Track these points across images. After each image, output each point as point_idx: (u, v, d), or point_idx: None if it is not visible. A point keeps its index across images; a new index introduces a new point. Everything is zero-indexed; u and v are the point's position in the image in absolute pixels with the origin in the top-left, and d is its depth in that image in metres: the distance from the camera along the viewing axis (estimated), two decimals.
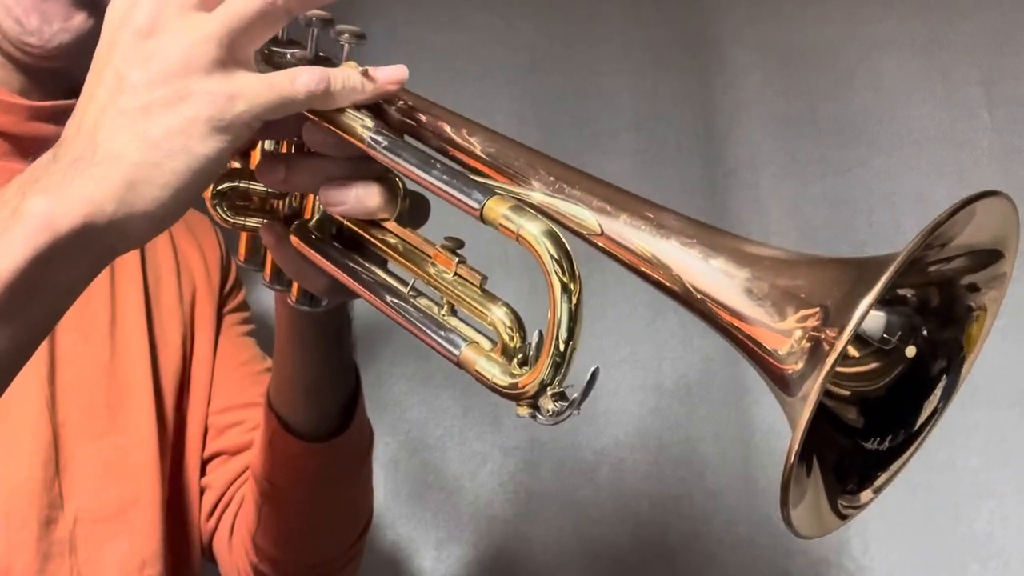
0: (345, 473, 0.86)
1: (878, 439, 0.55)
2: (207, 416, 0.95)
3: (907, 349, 0.54)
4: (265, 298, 1.26)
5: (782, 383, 0.48)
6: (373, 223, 0.64)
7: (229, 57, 0.52)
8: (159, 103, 0.51)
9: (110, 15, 0.54)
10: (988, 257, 0.53)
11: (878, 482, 0.55)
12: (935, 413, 0.56)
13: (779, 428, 1.44)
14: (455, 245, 0.60)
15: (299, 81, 0.54)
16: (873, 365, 0.55)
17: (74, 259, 0.51)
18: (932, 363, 0.55)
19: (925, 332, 0.55)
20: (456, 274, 0.59)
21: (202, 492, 0.94)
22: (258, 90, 0.53)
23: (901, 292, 0.54)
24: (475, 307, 0.58)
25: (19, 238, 0.49)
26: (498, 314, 0.57)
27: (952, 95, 1.41)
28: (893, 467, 0.55)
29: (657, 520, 1.45)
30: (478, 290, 0.58)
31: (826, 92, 1.47)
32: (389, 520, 1.46)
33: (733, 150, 1.50)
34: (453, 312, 0.60)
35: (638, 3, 1.56)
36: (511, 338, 0.56)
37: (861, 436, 0.55)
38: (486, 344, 0.57)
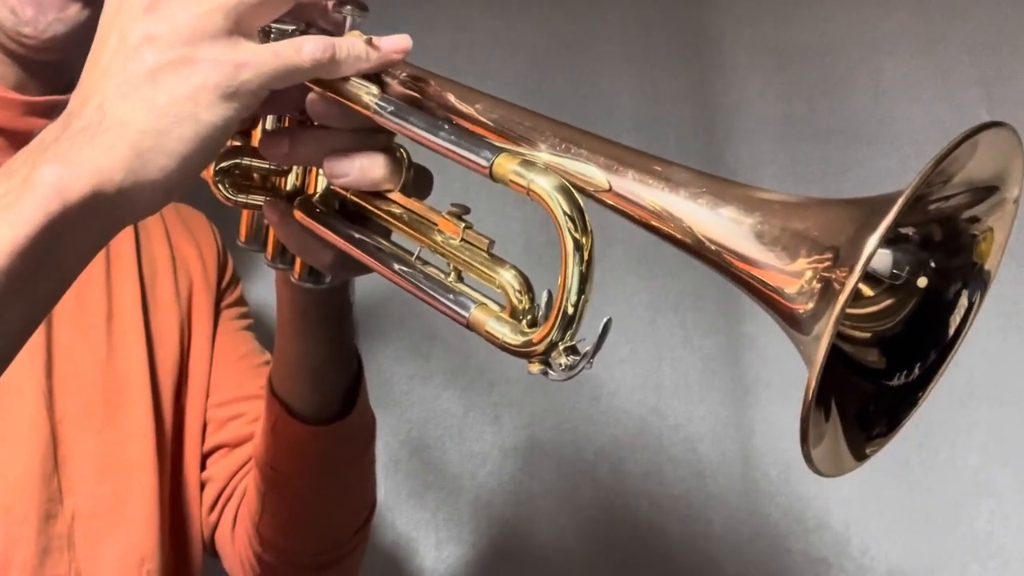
0: (348, 458, 0.86)
1: (904, 372, 0.55)
2: (206, 410, 0.95)
3: (919, 280, 0.55)
4: (262, 293, 1.26)
5: (794, 322, 0.49)
6: (377, 195, 0.64)
7: (236, 28, 0.52)
8: (166, 69, 0.51)
9: None
10: (987, 192, 0.53)
11: (912, 412, 0.55)
12: (966, 319, 0.56)
13: (779, 428, 1.45)
14: (461, 211, 0.60)
15: (305, 49, 0.54)
16: (887, 302, 0.56)
17: (83, 228, 0.50)
18: (946, 288, 0.55)
19: (933, 264, 0.55)
20: (463, 239, 0.59)
21: (203, 486, 0.94)
22: (265, 58, 0.53)
23: (903, 231, 0.54)
24: (483, 271, 0.58)
25: (30, 206, 0.48)
26: (506, 277, 0.57)
27: (952, 95, 1.41)
28: (927, 390, 0.55)
29: (657, 520, 1.45)
30: (486, 254, 0.58)
31: (826, 92, 1.47)
32: (389, 520, 1.46)
33: (733, 150, 1.50)
34: (460, 278, 0.59)
35: (638, 3, 1.56)
36: (520, 300, 0.56)
37: (885, 376, 0.55)
38: (495, 307, 0.57)
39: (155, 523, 0.87)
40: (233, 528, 0.92)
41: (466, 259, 0.59)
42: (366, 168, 0.60)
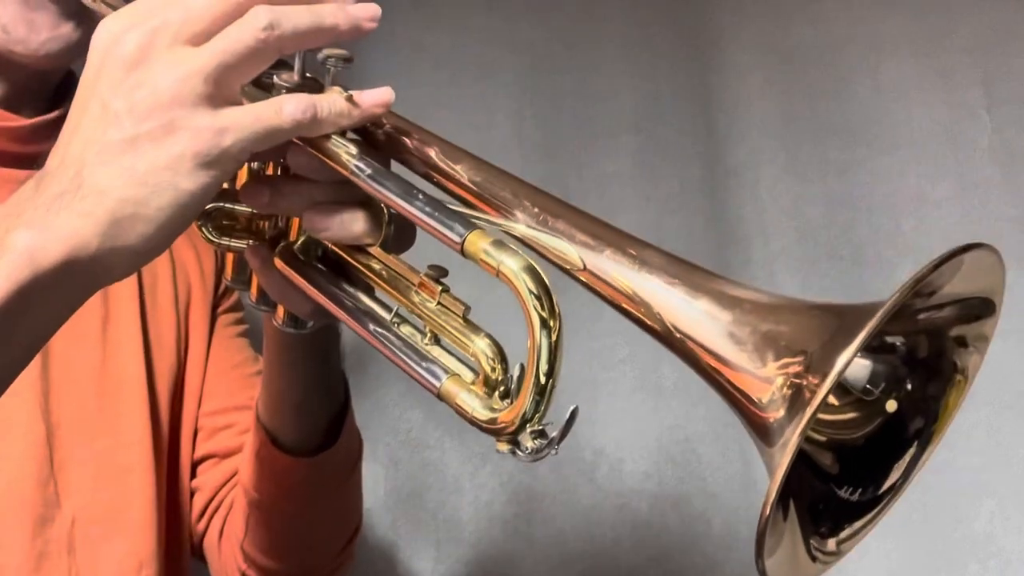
0: (332, 485, 0.86)
1: (850, 489, 0.55)
2: (198, 417, 0.95)
3: (888, 403, 0.54)
4: None
5: (763, 431, 0.48)
6: (358, 248, 0.64)
7: (217, 92, 0.52)
8: (146, 137, 0.50)
9: (97, 41, 0.53)
10: (980, 307, 0.53)
11: (843, 534, 0.55)
12: (896, 486, 0.56)
13: None
14: (439, 274, 0.60)
15: (285, 111, 0.53)
16: (853, 415, 0.55)
17: (56, 294, 0.50)
18: (910, 421, 0.55)
19: (909, 386, 0.55)
20: (439, 303, 0.59)
21: (192, 494, 0.94)
22: (245, 123, 0.52)
23: (890, 340, 0.54)
24: (457, 337, 0.58)
25: (1, 273, 0.48)
26: (480, 345, 0.57)
27: (952, 95, 1.41)
28: (857, 524, 0.55)
29: (657, 520, 1.45)
30: (461, 320, 0.58)
31: (826, 92, 1.47)
32: (389, 520, 1.46)
33: (733, 150, 1.50)
34: (436, 341, 0.59)
35: (638, 3, 1.56)
36: (493, 369, 0.56)
37: (836, 483, 0.55)
38: (468, 376, 0.57)
39: (153, 528, 0.87)
40: (220, 540, 0.92)
41: (442, 323, 0.59)
42: (346, 222, 0.59)
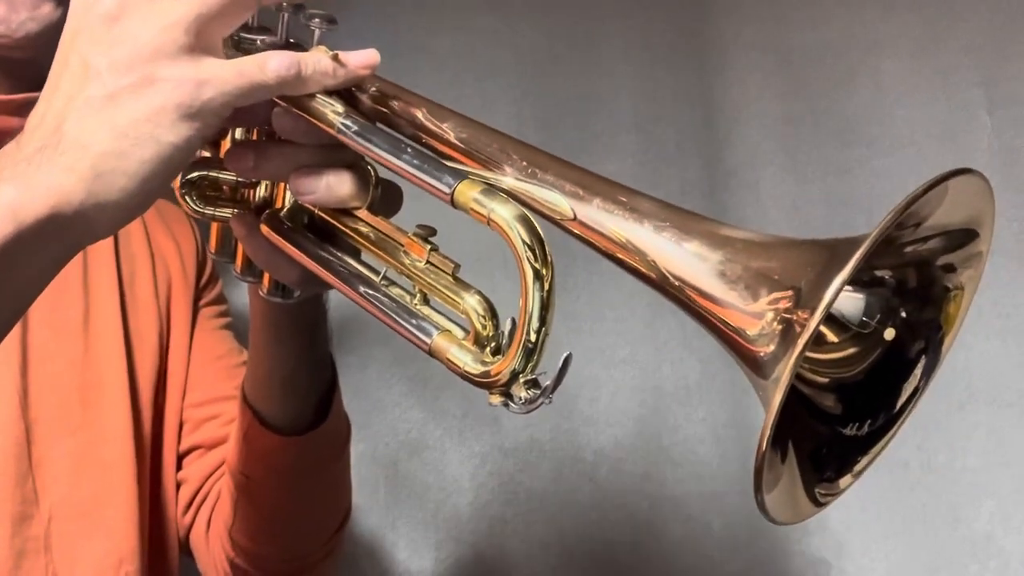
0: (321, 466, 0.85)
1: (856, 424, 0.55)
2: (183, 410, 0.94)
3: (886, 332, 0.54)
4: (240, 294, 1.26)
5: (754, 365, 0.48)
6: (345, 212, 0.63)
7: (197, 44, 0.52)
8: (126, 90, 0.50)
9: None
10: (963, 237, 0.53)
11: (858, 467, 0.54)
12: (916, 392, 0.55)
13: None
14: (427, 233, 0.60)
15: (269, 66, 0.53)
16: (852, 350, 0.55)
17: (39, 250, 0.49)
18: (910, 345, 0.55)
19: (904, 314, 0.54)
20: (428, 262, 0.59)
21: (178, 486, 0.94)
22: (227, 76, 0.52)
23: (879, 274, 0.54)
24: (447, 295, 0.57)
25: None
26: (470, 302, 0.56)
27: (952, 96, 1.41)
28: (873, 451, 0.55)
29: (657, 521, 1.45)
30: (450, 278, 0.58)
31: (826, 92, 1.47)
32: (389, 520, 1.46)
33: (733, 150, 1.50)
34: (426, 301, 0.59)
35: (638, 3, 1.56)
36: (484, 326, 0.55)
37: (839, 423, 0.55)
38: (459, 333, 0.56)
39: (134, 525, 0.86)
40: (207, 530, 0.92)
41: (431, 282, 0.58)
42: (332, 185, 0.59)
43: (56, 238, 0.50)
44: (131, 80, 0.50)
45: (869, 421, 0.55)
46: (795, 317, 0.46)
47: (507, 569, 1.47)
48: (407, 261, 0.60)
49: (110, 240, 0.92)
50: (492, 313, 0.56)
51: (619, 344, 1.48)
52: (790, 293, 0.47)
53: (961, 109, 1.40)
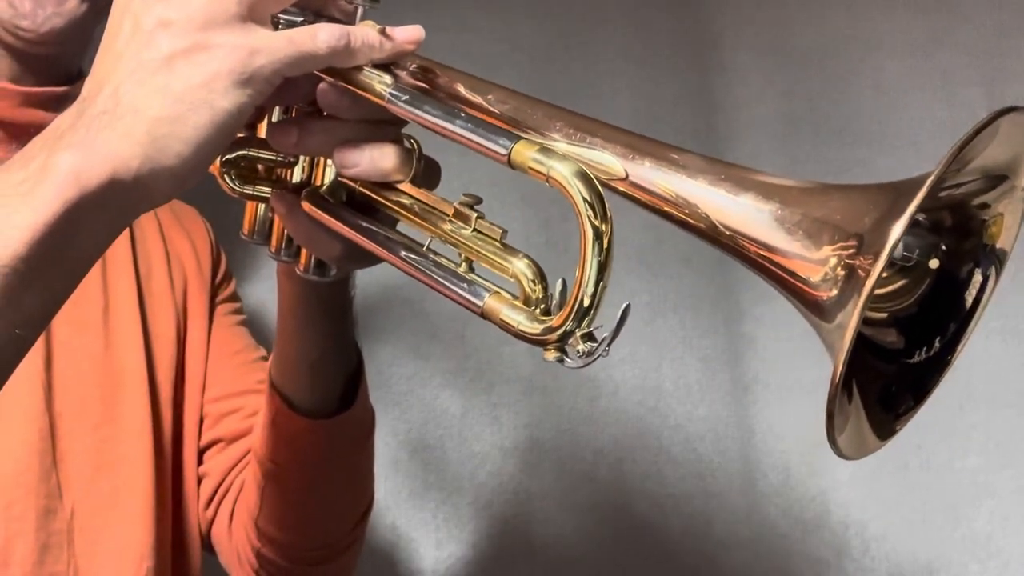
0: (348, 451, 0.86)
1: (925, 348, 0.55)
2: (202, 405, 0.95)
3: (931, 262, 0.54)
4: (261, 293, 1.26)
5: (818, 310, 0.48)
6: (387, 186, 0.63)
7: (249, 15, 0.52)
8: (180, 56, 0.51)
9: None
10: (998, 180, 0.53)
11: (931, 389, 0.55)
12: (985, 284, 0.56)
13: (779, 429, 1.45)
14: (473, 201, 0.60)
15: (320, 37, 0.53)
16: (901, 283, 0.55)
17: (100, 215, 0.50)
18: (959, 268, 0.55)
19: (944, 247, 0.55)
20: (475, 229, 0.59)
21: (199, 481, 0.94)
22: (279, 45, 0.52)
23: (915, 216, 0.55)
24: (496, 260, 0.57)
25: (49, 193, 0.48)
26: (519, 266, 0.56)
27: (952, 95, 1.41)
28: (949, 360, 0.55)
29: (657, 520, 1.45)
30: (498, 243, 0.58)
31: (826, 92, 1.47)
32: (389, 520, 1.46)
33: (733, 150, 1.50)
34: (471, 268, 0.59)
35: (638, 3, 1.56)
36: (533, 289, 0.55)
37: (905, 355, 0.55)
38: (509, 296, 0.56)
39: (152, 520, 0.87)
40: (230, 523, 0.92)
41: (478, 249, 0.58)
42: (376, 158, 0.59)
43: (115, 202, 0.50)
44: (185, 45, 0.51)
45: (938, 338, 0.55)
46: (858, 262, 0.46)
47: (507, 569, 1.47)
48: (451, 229, 0.60)
49: (126, 238, 0.93)
50: (541, 276, 0.56)
51: (619, 343, 1.47)
52: (851, 239, 0.47)
53: (961, 109, 1.40)
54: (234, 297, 1.03)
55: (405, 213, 0.63)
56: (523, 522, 1.47)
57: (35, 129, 0.79)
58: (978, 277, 0.55)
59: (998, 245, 0.55)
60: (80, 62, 0.90)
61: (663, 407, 1.48)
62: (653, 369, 1.48)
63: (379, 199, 0.64)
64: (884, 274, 0.54)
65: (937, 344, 0.55)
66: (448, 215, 0.60)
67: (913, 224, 0.54)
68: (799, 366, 1.40)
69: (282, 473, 0.84)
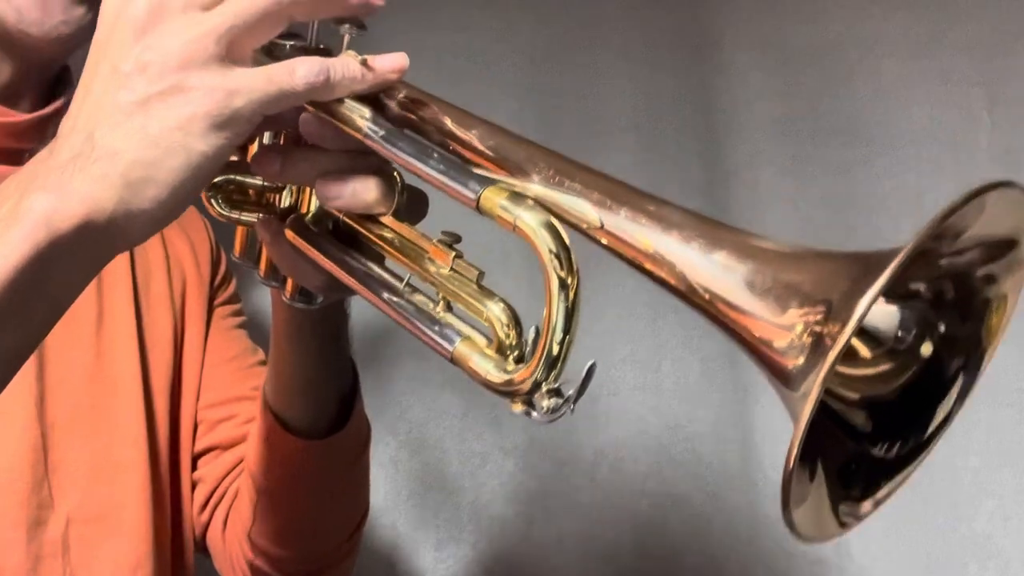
0: (342, 468, 0.85)
1: (886, 445, 0.54)
2: (197, 411, 0.94)
3: (923, 347, 0.53)
4: (263, 296, 1.26)
5: (783, 377, 0.47)
6: (370, 218, 0.63)
7: (228, 54, 0.52)
8: (157, 99, 0.50)
9: (106, 5, 0.54)
10: (1004, 247, 0.51)
11: (880, 494, 0.53)
12: (948, 419, 0.54)
13: (779, 428, 1.44)
14: (452, 240, 0.59)
15: (298, 73, 0.53)
16: (886, 366, 0.54)
17: (73, 258, 0.50)
18: (949, 362, 0.54)
19: (942, 328, 0.53)
20: (452, 269, 0.58)
21: (194, 486, 0.94)
22: (257, 84, 0.52)
23: (914, 287, 0.52)
24: (471, 303, 0.57)
25: (19, 236, 0.48)
26: (494, 310, 0.56)
27: (952, 95, 1.41)
28: (897, 478, 0.54)
29: (657, 520, 1.45)
30: (474, 285, 0.57)
31: (826, 92, 1.47)
32: (389, 520, 1.46)
33: (733, 150, 1.50)
34: (449, 308, 0.59)
35: (638, 3, 1.56)
36: (507, 335, 0.55)
37: (869, 441, 0.53)
38: (481, 340, 0.56)
39: (148, 527, 0.86)
40: (224, 529, 0.92)
41: (455, 289, 0.58)
42: (358, 191, 0.59)
43: (89, 245, 0.50)
44: (162, 87, 0.50)
45: (899, 443, 0.54)
46: (825, 330, 0.45)
47: (507, 569, 1.47)
48: (431, 268, 0.60)
49: None
50: (516, 321, 0.56)
51: (619, 343, 1.48)
52: (820, 305, 0.46)
53: (961, 109, 1.40)
54: (233, 299, 1.02)
55: (386, 247, 0.62)
56: (523, 522, 1.47)
57: (28, 152, 0.79)
58: (955, 390, 0.54)
59: (987, 352, 0.54)
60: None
61: (663, 407, 1.48)
62: (653, 369, 1.48)
63: (361, 230, 0.64)
64: (869, 354, 0.53)
65: (895, 451, 0.54)
66: (427, 252, 0.60)
67: (913, 295, 0.52)
68: None
69: (275, 489, 0.84)
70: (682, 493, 1.45)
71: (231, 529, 0.90)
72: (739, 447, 1.46)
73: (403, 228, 0.62)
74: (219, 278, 1.01)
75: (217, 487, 0.93)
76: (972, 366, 0.54)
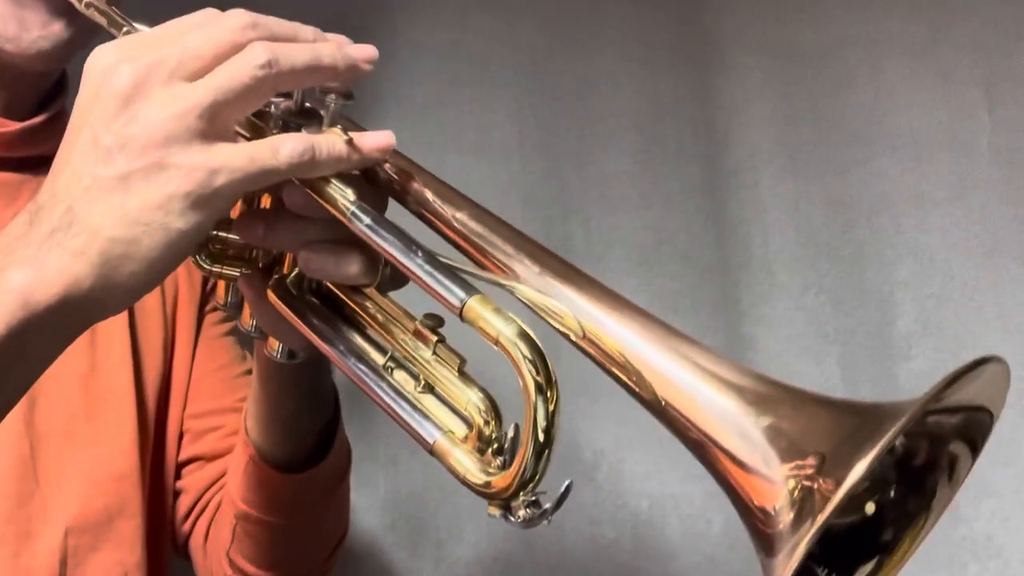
0: (321, 499, 0.85)
1: (826, 571, 0.53)
2: (183, 420, 0.94)
3: (868, 505, 0.52)
4: None
5: (767, 543, 0.46)
6: (354, 288, 0.63)
7: (211, 129, 0.51)
8: (138, 174, 0.50)
9: (90, 71, 0.53)
10: (981, 420, 0.51)
11: None
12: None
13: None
14: (435, 324, 0.58)
15: (282, 152, 0.52)
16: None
17: (50, 332, 0.50)
18: (882, 530, 0.53)
19: (892, 492, 0.53)
20: (434, 353, 0.58)
21: (177, 495, 0.94)
22: (239, 163, 0.51)
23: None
24: (451, 389, 0.57)
25: None
26: (474, 399, 0.56)
27: (952, 96, 1.41)
28: None
29: (657, 520, 1.45)
30: (455, 373, 0.57)
31: (826, 92, 1.47)
32: (389, 520, 1.46)
33: (733, 150, 1.50)
34: (430, 390, 0.58)
35: (638, 3, 1.56)
36: (487, 423, 0.55)
37: (816, 561, 0.53)
38: (461, 430, 0.56)
39: (141, 536, 0.86)
40: (205, 541, 0.92)
41: (434, 373, 0.57)
42: (341, 264, 0.58)
43: (67, 320, 0.50)
44: (143, 164, 0.50)
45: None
46: (817, 485, 0.43)
47: (507, 569, 1.47)
48: (412, 347, 0.59)
49: None
50: (496, 413, 0.56)
51: None
52: (812, 460, 0.44)
53: (961, 109, 1.40)
54: None
55: (369, 321, 0.62)
56: None
57: (18, 160, 0.78)
58: (874, 562, 0.53)
59: (903, 553, 0.52)
60: (66, 76, 0.89)
61: None
62: None
63: (346, 300, 0.63)
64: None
65: None
66: (409, 331, 0.59)
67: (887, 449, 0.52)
68: (798, 367, 1.40)
69: (253, 516, 0.84)
70: (682, 493, 1.45)
71: (212, 543, 0.91)
72: None
73: (386, 303, 0.61)
74: (210, 285, 1.00)
75: (200, 498, 0.93)
76: (881, 561, 0.53)
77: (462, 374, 0.57)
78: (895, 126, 1.43)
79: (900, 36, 1.44)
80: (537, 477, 0.51)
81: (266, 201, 0.65)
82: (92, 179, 0.50)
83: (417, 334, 0.59)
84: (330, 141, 0.55)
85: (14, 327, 0.48)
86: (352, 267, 0.58)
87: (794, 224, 1.45)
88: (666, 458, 1.46)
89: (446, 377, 0.57)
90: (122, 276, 0.50)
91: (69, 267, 0.49)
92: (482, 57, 1.56)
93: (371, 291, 0.62)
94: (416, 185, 0.59)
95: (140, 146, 0.50)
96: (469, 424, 0.56)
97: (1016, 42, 1.38)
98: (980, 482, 1.34)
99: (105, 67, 0.52)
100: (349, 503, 0.91)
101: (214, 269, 0.68)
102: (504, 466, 0.53)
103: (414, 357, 0.59)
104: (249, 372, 0.95)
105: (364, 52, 0.57)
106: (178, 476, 0.94)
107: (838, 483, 0.41)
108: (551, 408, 0.50)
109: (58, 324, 0.50)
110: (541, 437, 0.50)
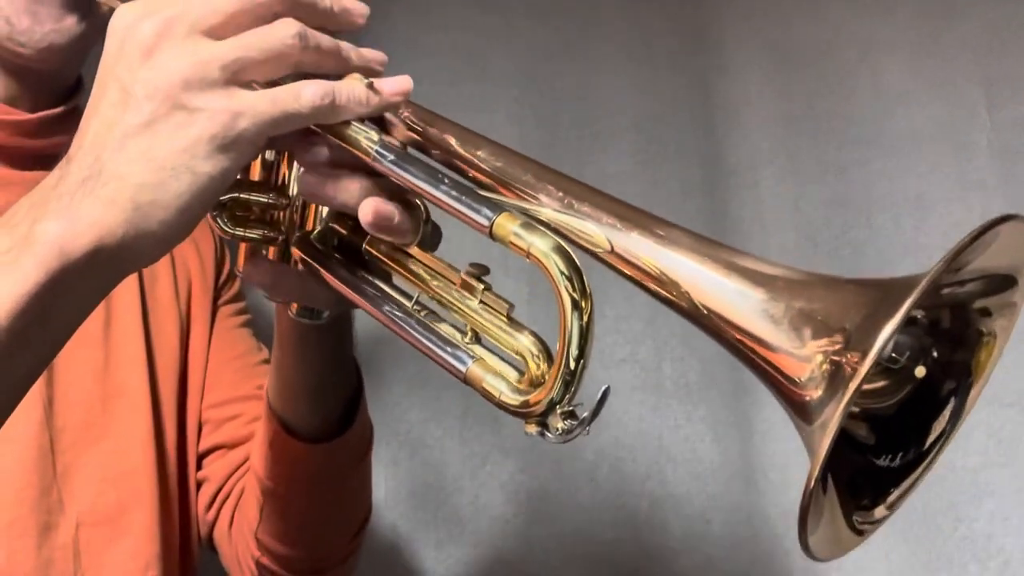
0: (346, 470, 0.86)
1: (889, 456, 0.54)
2: (202, 411, 0.95)
3: (917, 369, 0.53)
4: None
5: (801, 411, 0.47)
6: (397, 249, 0.63)
7: (232, 80, 0.52)
8: (162, 121, 0.51)
9: (114, 27, 0.54)
10: (1003, 283, 0.52)
11: (891, 498, 0.54)
12: (944, 435, 0.55)
13: (779, 429, 1.45)
14: (480, 272, 0.59)
15: (303, 96, 0.53)
16: (882, 383, 0.54)
17: (85, 282, 0.51)
18: (942, 384, 0.54)
19: (935, 354, 0.53)
20: (482, 302, 0.58)
21: (199, 485, 0.94)
22: (262, 107, 0.52)
23: (912, 313, 0.53)
24: (501, 336, 0.57)
25: (31, 263, 0.49)
26: (525, 343, 0.56)
27: (952, 95, 1.41)
28: (905, 484, 0.54)
29: (657, 520, 1.45)
30: (504, 318, 0.57)
31: (826, 92, 1.47)
32: (389, 520, 1.46)
33: (733, 150, 1.50)
34: (477, 340, 0.58)
35: (638, 3, 1.56)
36: (538, 366, 0.55)
37: (873, 453, 0.54)
38: (512, 374, 0.56)
39: (157, 529, 0.87)
40: (230, 528, 0.92)
41: (483, 322, 0.58)
42: (401, 218, 0.58)
43: (100, 269, 0.51)
44: (167, 109, 0.51)
45: (901, 454, 0.54)
46: (844, 359, 0.45)
47: (507, 569, 1.47)
48: (459, 298, 0.59)
49: None
50: (547, 354, 0.56)
51: (619, 343, 1.48)
52: (839, 336, 0.46)
53: (961, 109, 1.40)
54: (238, 297, 1.02)
55: (413, 278, 0.62)
56: (523, 522, 1.47)
57: (34, 155, 0.79)
58: (948, 411, 0.54)
59: (974, 386, 0.54)
60: (79, 70, 0.89)
61: (663, 407, 1.48)
62: (653, 369, 1.48)
63: (389, 263, 0.64)
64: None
65: (899, 460, 0.54)
66: (455, 284, 0.60)
67: (910, 322, 0.52)
68: None
69: (280, 492, 0.84)
70: (682, 493, 1.45)
71: (237, 527, 0.91)
72: (739, 447, 1.46)
73: (429, 259, 0.62)
74: (223, 277, 1.01)
75: (223, 486, 0.93)
76: (962, 392, 0.54)
77: (511, 319, 0.57)
78: (895, 126, 1.43)
79: (900, 36, 1.44)
80: (573, 389, 0.52)
81: (284, 161, 0.66)
82: (119, 127, 0.51)
83: (464, 285, 0.59)
84: (351, 85, 0.56)
85: (52, 277, 0.49)
86: (403, 222, 0.58)
87: (794, 224, 1.45)
88: (666, 458, 1.46)
89: (495, 324, 0.57)
90: (152, 224, 0.51)
91: (101, 217, 0.50)
92: (482, 58, 1.56)
93: (413, 250, 0.62)
94: (433, 130, 0.60)
95: (164, 92, 0.51)
96: (520, 371, 0.56)
97: (1016, 42, 1.38)
98: (980, 482, 1.34)
99: (128, 23, 0.53)
100: (371, 483, 0.91)
101: (236, 232, 0.69)
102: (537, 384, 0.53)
103: (462, 309, 0.59)
104: (266, 361, 0.96)
105: (377, 55, 0.60)
106: (199, 466, 0.95)
107: (864, 353, 0.43)
108: (586, 319, 0.50)
109: (94, 273, 0.50)
110: (576, 348, 0.50)
